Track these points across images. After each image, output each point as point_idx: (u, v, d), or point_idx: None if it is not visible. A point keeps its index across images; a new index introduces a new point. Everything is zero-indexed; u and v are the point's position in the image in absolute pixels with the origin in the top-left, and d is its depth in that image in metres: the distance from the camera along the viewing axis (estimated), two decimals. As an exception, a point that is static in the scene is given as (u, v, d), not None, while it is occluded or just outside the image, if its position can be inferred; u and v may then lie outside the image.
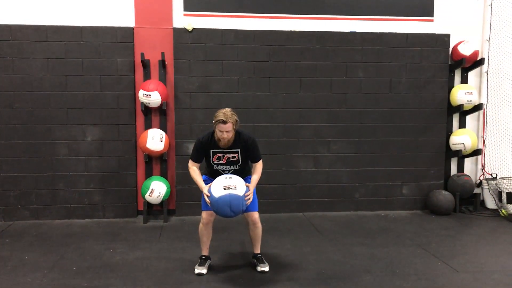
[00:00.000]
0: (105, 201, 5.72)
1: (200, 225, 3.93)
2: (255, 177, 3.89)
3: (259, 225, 3.96)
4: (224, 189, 3.58)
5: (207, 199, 3.66)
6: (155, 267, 4.04)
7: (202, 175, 3.94)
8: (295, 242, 4.78)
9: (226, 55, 5.79)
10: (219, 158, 3.81)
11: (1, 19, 5.47)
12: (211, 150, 3.79)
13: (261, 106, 5.89)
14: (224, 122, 3.60)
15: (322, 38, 5.95)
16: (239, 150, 3.80)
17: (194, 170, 3.89)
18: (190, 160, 3.92)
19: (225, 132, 3.65)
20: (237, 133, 3.80)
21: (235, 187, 3.60)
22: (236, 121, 3.70)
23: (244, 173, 3.91)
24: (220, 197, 3.56)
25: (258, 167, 3.93)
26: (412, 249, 4.60)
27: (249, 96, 5.79)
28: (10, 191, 5.57)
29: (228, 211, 3.58)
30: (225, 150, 3.79)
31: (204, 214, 3.86)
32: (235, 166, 3.84)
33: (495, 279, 3.82)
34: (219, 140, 3.71)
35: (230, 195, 3.55)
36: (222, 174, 3.81)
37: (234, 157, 3.81)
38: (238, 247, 4.63)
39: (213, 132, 3.77)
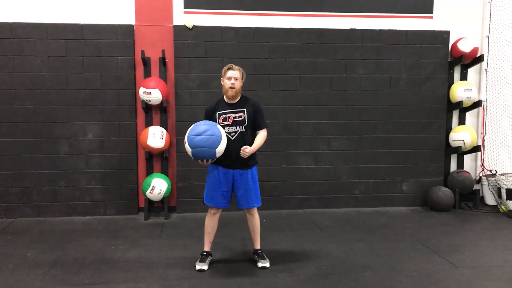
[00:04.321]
0: (106, 198, 5.74)
1: (208, 215, 3.97)
2: (258, 141, 3.86)
3: (257, 215, 4.01)
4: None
5: (188, 148, 3.65)
6: (156, 264, 4.06)
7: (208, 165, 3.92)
8: (295, 239, 4.81)
9: (226, 52, 5.80)
10: (224, 119, 3.80)
11: (2, 17, 5.48)
12: (217, 113, 3.82)
13: (261, 103, 5.81)
14: (233, 68, 3.79)
15: (322, 35, 5.96)
16: (245, 109, 3.84)
17: None
18: None
19: (234, 79, 3.76)
20: (244, 96, 3.92)
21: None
22: (244, 74, 3.88)
23: (250, 139, 3.85)
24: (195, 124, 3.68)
25: (262, 134, 3.92)
26: (412, 245, 4.62)
27: (249, 93, 5.72)
28: (11, 189, 5.59)
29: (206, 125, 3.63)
30: (231, 110, 3.81)
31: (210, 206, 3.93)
32: (241, 127, 3.80)
33: (495, 275, 3.84)
34: (227, 91, 3.77)
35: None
36: (228, 137, 3.75)
37: (240, 116, 3.81)
38: (239, 243, 4.65)
39: (218, 99, 3.91)
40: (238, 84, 3.81)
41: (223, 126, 3.77)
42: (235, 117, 3.80)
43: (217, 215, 3.97)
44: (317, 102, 6.00)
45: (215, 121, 3.81)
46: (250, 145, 3.83)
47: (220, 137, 3.63)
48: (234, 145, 3.76)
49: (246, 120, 3.83)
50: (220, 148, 3.63)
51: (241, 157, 3.77)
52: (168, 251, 4.42)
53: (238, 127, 3.80)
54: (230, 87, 3.77)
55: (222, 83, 3.84)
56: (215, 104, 3.89)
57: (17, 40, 5.48)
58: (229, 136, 3.77)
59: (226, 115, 3.81)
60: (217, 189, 3.86)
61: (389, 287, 3.58)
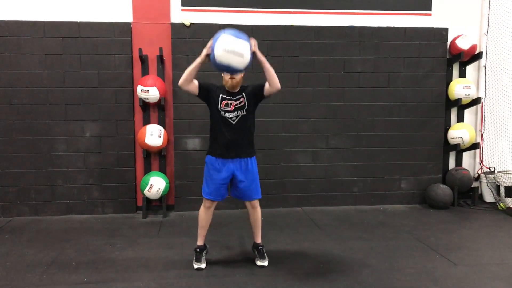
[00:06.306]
0: (104, 197, 5.73)
1: (202, 208, 3.96)
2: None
3: (259, 209, 4.02)
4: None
5: (206, 52, 3.66)
6: (154, 262, 4.06)
7: (206, 156, 3.94)
8: (294, 237, 4.80)
9: (224, 50, 5.77)
10: (226, 105, 3.81)
11: (-2, 15, 5.47)
12: (221, 95, 3.83)
13: (260, 101, 5.88)
14: None
15: (320, 32, 5.94)
16: (243, 93, 3.86)
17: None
18: None
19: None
20: (243, 85, 3.91)
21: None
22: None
23: (249, 126, 3.89)
24: (224, 30, 3.60)
25: None
26: (411, 243, 4.61)
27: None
28: (9, 187, 5.57)
29: (235, 39, 3.53)
30: (232, 98, 3.83)
31: (207, 199, 3.92)
32: (242, 111, 3.83)
33: (493, 272, 3.84)
34: (227, 82, 3.77)
35: (232, 29, 3.61)
36: (229, 121, 3.81)
37: (241, 102, 3.83)
38: (236, 242, 4.64)
39: (221, 85, 3.90)
40: (238, 76, 3.78)
41: (225, 112, 3.81)
42: (236, 104, 3.83)
43: (212, 208, 3.97)
44: (315, 99, 5.99)
45: (216, 101, 3.83)
46: (251, 128, 3.91)
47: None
48: (236, 129, 3.82)
49: (246, 103, 3.85)
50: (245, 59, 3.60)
51: (241, 142, 3.83)
52: (166, 249, 4.41)
53: (239, 111, 3.83)
54: (230, 78, 3.76)
55: (223, 75, 3.82)
56: (220, 87, 3.90)
57: (13, 38, 5.45)
58: (231, 120, 3.82)
59: (228, 101, 3.83)
60: (216, 180, 3.86)
61: (388, 285, 3.58)
